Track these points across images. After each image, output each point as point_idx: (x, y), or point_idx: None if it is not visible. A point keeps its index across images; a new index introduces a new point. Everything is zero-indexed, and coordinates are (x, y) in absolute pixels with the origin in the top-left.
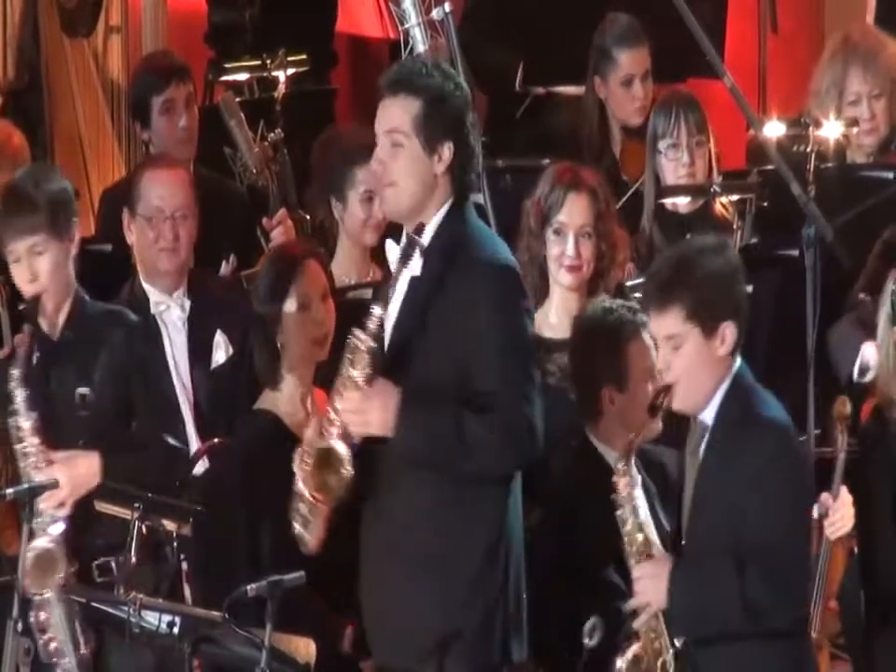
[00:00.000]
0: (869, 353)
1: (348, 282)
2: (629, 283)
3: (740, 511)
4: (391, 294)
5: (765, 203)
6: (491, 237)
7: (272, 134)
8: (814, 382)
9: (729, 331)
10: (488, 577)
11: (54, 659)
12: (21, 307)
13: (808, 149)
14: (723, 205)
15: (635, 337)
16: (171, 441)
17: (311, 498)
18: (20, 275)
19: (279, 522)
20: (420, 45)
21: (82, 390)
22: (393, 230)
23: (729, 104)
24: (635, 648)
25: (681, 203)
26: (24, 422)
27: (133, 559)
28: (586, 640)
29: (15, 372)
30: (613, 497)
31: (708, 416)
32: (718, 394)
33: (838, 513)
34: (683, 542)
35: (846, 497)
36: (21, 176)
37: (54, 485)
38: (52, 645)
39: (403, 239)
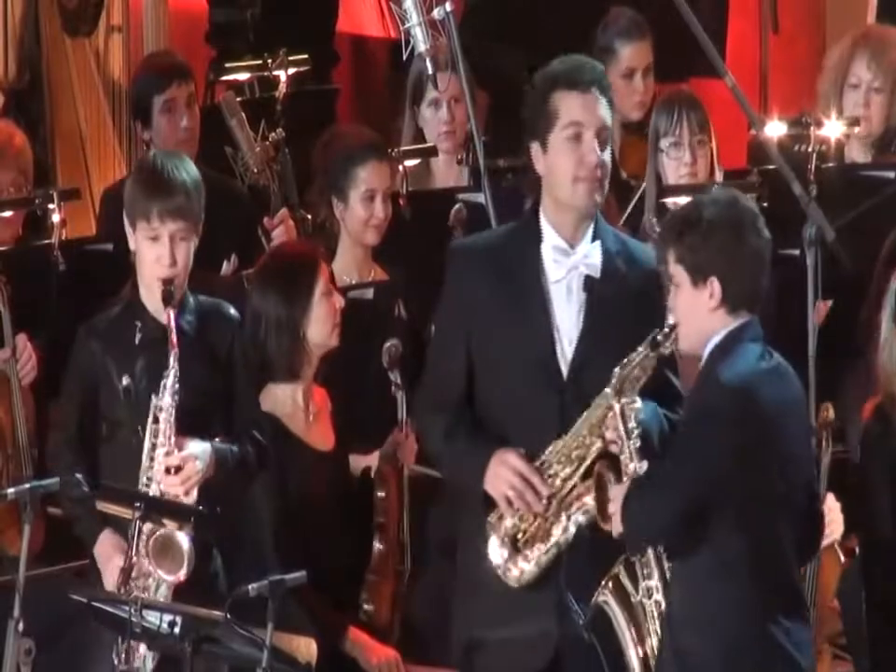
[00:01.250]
0: None
1: (349, 281)
2: None
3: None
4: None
5: (765, 204)
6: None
7: (273, 134)
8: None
9: (715, 286)
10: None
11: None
12: (159, 289)
13: (809, 149)
14: None
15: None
16: (257, 434)
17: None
18: (154, 255)
19: (280, 523)
20: (421, 45)
21: (191, 380)
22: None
23: (730, 103)
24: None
25: (683, 202)
26: (170, 405)
27: (134, 559)
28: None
29: (172, 355)
30: None
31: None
32: (709, 346)
33: (826, 520)
34: None
35: (832, 503)
36: (164, 159)
37: (54, 486)
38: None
39: None
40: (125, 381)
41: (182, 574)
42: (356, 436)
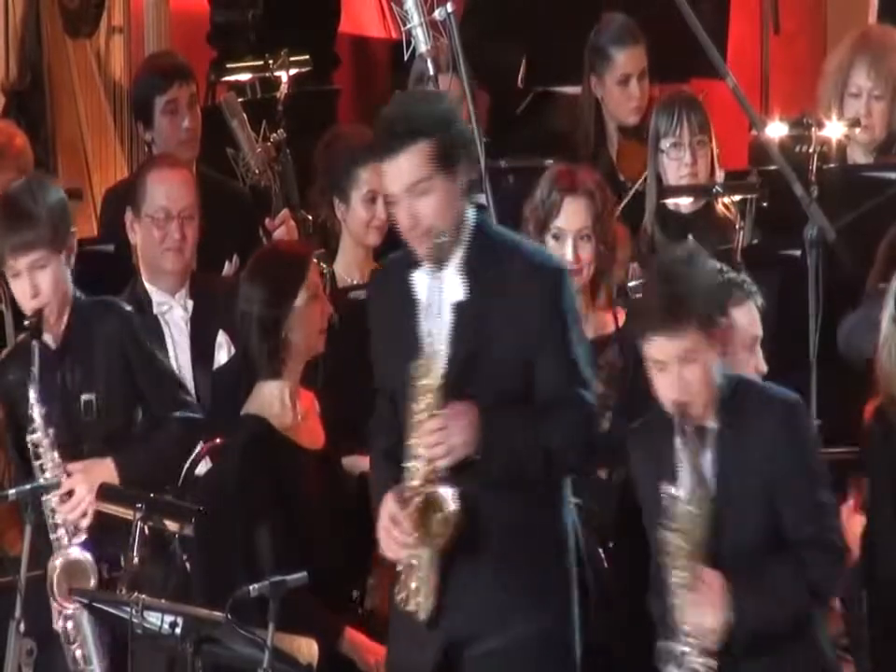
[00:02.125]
0: None
1: (350, 282)
2: (632, 283)
3: (772, 494)
4: (429, 331)
5: (765, 204)
6: (518, 240)
7: (274, 135)
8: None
9: (725, 327)
10: (564, 573)
11: (81, 667)
12: (25, 323)
13: (811, 150)
14: (725, 206)
15: (743, 303)
16: (181, 414)
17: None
18: (20, 291)
19: (276, 524)
20: (422, 45)
21: (86, 397)
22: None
23: (731, 104)
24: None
25: (683, 203)
26: (43, 438)
27: (136, 559)
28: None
29: (32, 391)
30: None
31: (711, 421)
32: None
33: None
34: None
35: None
36: (17, 190)
37: (56, 485)
38: (79, 653)
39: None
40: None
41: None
42: (354, 436)
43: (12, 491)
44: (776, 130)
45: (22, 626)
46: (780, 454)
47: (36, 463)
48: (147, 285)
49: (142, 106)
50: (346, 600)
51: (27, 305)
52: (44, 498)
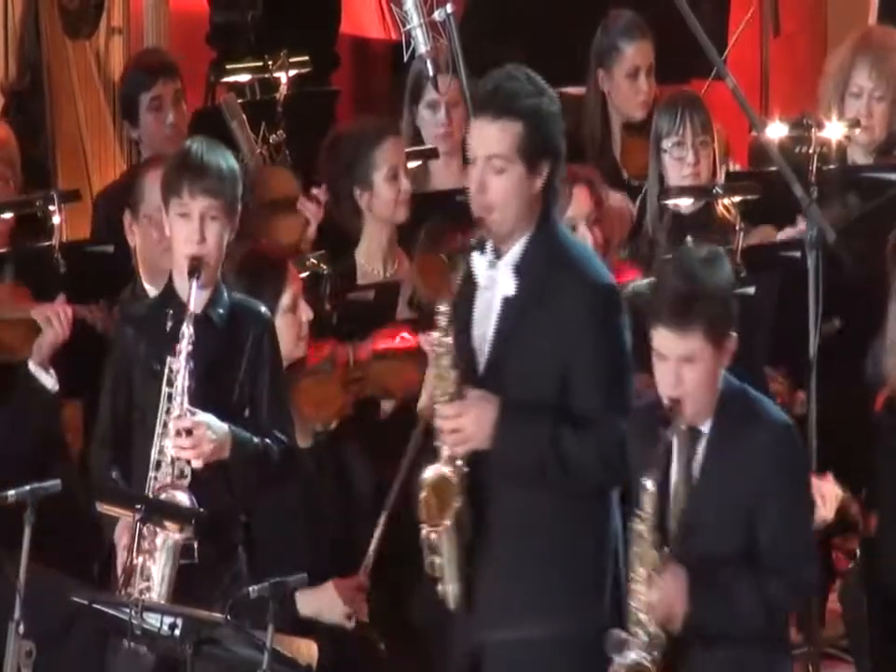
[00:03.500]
0: None
1: (374, 271)
2: (633, 285)
3: (751, 510)
4: (482, 317)
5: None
6: (585, 250)
7: (273, 136)
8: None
9: (732, 343)
10: (599, 583)
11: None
12: (190, 264)
13: (810, 151)
14: (726, 207)
15: None
16: (288, 440)
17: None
18: (184, 233)
19: (270, 523)
20: (422, 46)
21: (214, 361)
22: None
23: (731, 105)
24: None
25: (684, 204)
26: (184, 367)
27: (136, 560)
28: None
29: (187, 321)
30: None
31: (707, 424)
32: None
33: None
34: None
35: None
36: (204, 144)
37: (55, 487)
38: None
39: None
40: (156, 367)
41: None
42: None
43: (12, 492)
44: (775, 130)
45: (22, 627)
46: (766, 473)
47: (167, 389)
48: (146, 286)
49: (128, 104)
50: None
51: (186, 250)
52: (159, 427)
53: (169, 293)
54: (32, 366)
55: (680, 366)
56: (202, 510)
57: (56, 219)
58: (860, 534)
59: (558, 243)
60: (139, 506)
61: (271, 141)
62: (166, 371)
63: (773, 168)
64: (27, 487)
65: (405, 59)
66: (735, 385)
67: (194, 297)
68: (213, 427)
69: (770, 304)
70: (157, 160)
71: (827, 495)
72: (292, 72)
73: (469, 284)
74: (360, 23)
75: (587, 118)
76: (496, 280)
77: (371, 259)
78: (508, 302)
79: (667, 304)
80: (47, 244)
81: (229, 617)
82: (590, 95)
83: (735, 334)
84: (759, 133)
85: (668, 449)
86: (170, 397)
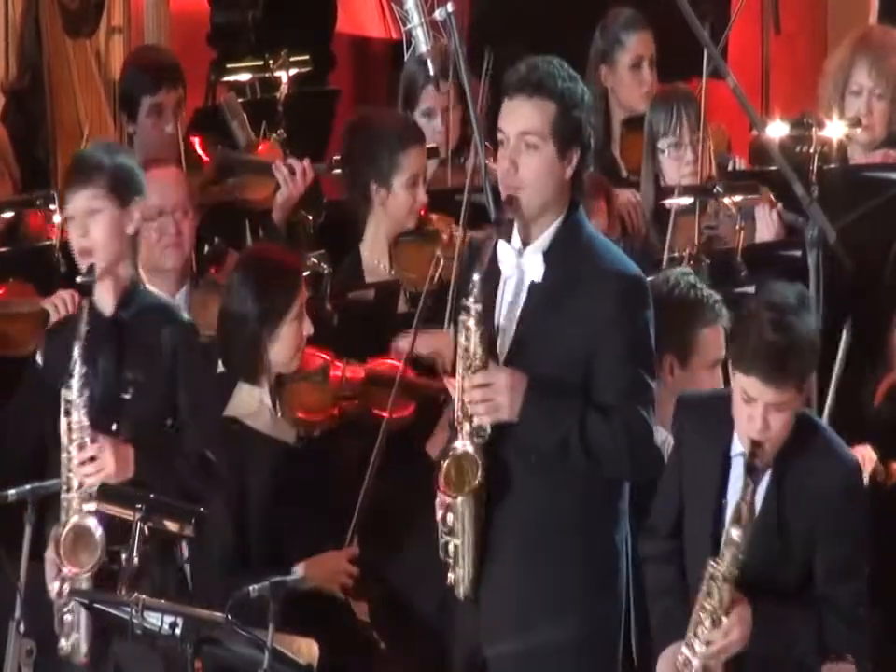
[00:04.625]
0: None
1: (379, 265)
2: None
3: (812, 544)
4: (504, 303)
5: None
6: (608, 243)
7: (274, 135)
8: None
9: (808, 386)
10: (616, 575)
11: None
12: (77, 279)
13: (811, 150)
14: (726, 206)
15: (713, 325)
16: (208, 454)
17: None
18: (73, 237)
19: (265, 521)
20: (422, 45)
21: (129, 375)
22: None
23: (731, 104)
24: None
25: (683, 203)
26: (77, 398)
27: (136, 560)
28: None
29: (77, 346)
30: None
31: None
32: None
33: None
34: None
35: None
36: (93, 146)
37: (56, 487)
38: (69, 618)
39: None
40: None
41: (94, 563)
42: None
43: (12, 491)
44: (776, 130)
45: (22, 626)
46: (831, 510)
47: (65, 420)
48: (148, 287)
49: (128, 101)
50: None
51: (76, 248)
52: (64, 455)
53: (89, 285)
54: (39, 359)
55: (768, 411)
56: (201, 508)
57: (56, 218)
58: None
59: (586, 233)
60: (139, 505)
61: (271, 140)
62: (62, 403)
63: (773, 167)
64: (27, 486)
65: (406, 58)
66: (806, 416)
67: (86, 318)
68: (119, 449)
69: None
70: (149, 161)
71: (865, 456)
72: (293, 71)
73: (493, 272)
74: (361, 22)
75: None
76: (522, 268)
77: (377, 251)
78: (536, 288)
79: (763, 358)
80: (47, 243)
81: (229, 616)
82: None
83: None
84: (759, 133)
85: (746, 489)
86: (69, 427)
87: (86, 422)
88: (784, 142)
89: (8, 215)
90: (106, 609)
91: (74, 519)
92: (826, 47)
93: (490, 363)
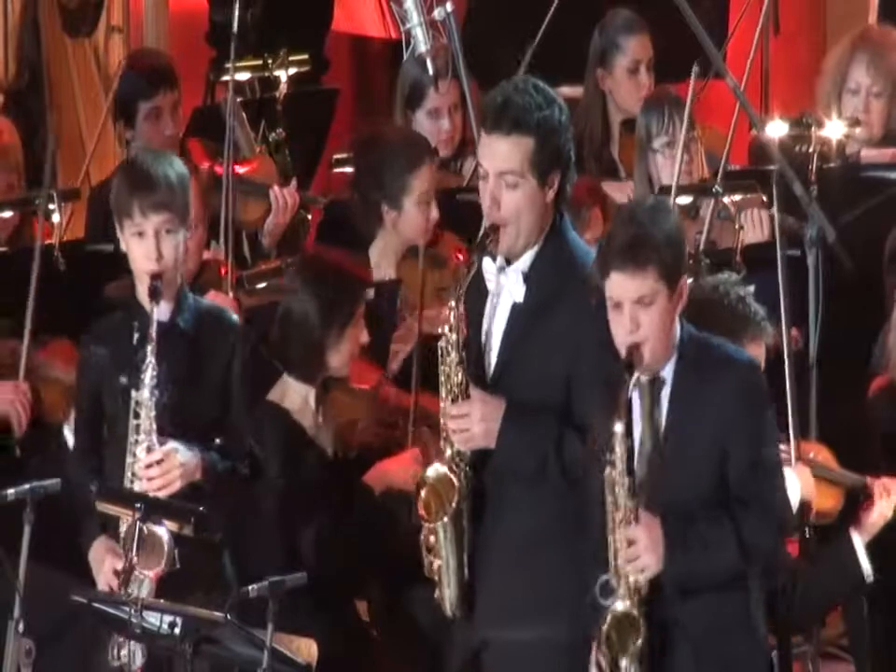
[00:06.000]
0: None
1: (386, 276)
2: None
3: (721, 452)
4: (490, 322)
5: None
6: (590, 254)
7: (273, 134)
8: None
9: (686, 286)
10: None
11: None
12: (150, 284)
13: (811, 149)
14: (726, 205)
15: (757, 340)
16: (255, 449)
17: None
18: (142, 252)
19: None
20: (421, 45)
21: (185, 377)
22: None
23: (731, 104)
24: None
25: (682, 203)
26: (149, 399)
27: (135, 560)
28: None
29: (149, 348)
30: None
31: (668, 371)
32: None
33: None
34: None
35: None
36: (146, 155)
37: (55, 487)
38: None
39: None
40: (122, 380)
41: (162, 567)
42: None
43: (11, 491)
44: (775, 129)
45: (21, 626)
46: (733, 413)
47: (134, 422)
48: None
49: (125, 107)
50: (342, 604)
51: (145, 267)
52: (129, 459)
53: (134, 306)
54: (67, 431)
55: (636, 310)
56: (201, 508)
57: (56, 218)
58: None
59: (567, 251)
60: (139, 505)
61: (270, 139)
62: (132, 404)
63: (773, 167)
64: (27, 486)
65: (405, 58)
66: (695, 331)
67: (155, 321)
68: (181, 451)
69: (770, 304)
70: None
71: (892, 490)
72: (292, 70)
73: (479, 286)
74: (360, 22)
75: (586, 118)
76: (504, 286)
77: (383, 264)
78: (516, 309)
79: (619, 249)
80: (47, 243)
81: (228, 616)
82: (588, 96)
83: (688, 278)
84: (759, 132)
85: (641, 401)
86: (137, 428)
87: (154, 425)
88: (783, 141)
89: (8, 214)
90: (106, 608)
91: (149, 525)
92: (825, 47)
93: (471, 389)
